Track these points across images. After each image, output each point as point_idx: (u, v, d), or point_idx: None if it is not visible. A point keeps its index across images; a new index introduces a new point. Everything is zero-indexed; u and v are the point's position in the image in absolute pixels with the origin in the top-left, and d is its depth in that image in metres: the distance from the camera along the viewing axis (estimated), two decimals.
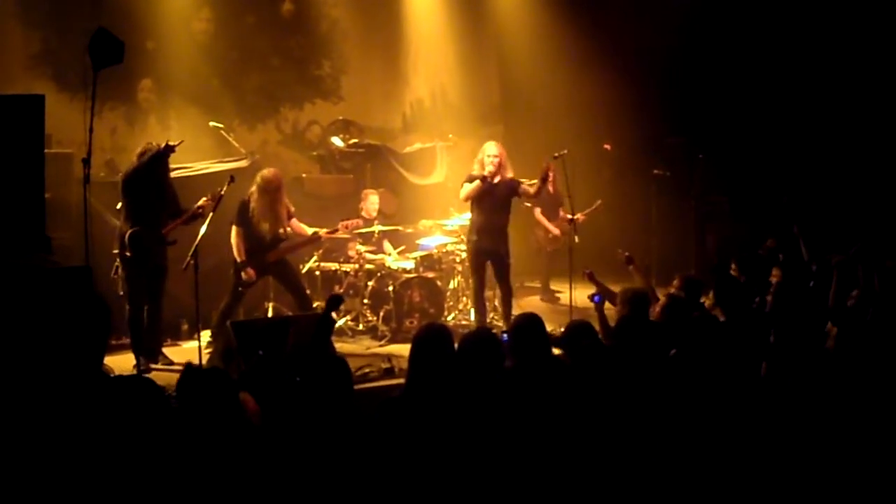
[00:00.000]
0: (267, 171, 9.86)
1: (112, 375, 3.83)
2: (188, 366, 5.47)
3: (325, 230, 10.07)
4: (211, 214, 8.82)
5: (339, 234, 10.37)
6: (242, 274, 9.58)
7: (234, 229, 9.64)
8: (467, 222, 11.24)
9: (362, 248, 10.90)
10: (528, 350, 6.27)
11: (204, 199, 9.05)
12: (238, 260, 9.60)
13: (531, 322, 6.52)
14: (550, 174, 10.05)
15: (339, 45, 13.86)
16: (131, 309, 8.93)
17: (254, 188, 9.67)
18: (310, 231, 10.02)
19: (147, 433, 3.61)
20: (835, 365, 6.26)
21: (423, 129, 14.29)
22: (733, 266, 9.43)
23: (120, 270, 8.99)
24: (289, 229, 9.89)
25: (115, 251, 9.00)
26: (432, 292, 10.69)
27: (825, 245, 10.40)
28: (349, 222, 10.26)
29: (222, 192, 8.93)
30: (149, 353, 9.14)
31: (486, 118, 15.24)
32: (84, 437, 3.45)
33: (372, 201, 11.43)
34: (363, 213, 11.33)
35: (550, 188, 12.72)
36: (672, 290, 8.36)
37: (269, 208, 9.63)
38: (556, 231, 12.74)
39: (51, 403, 3.45)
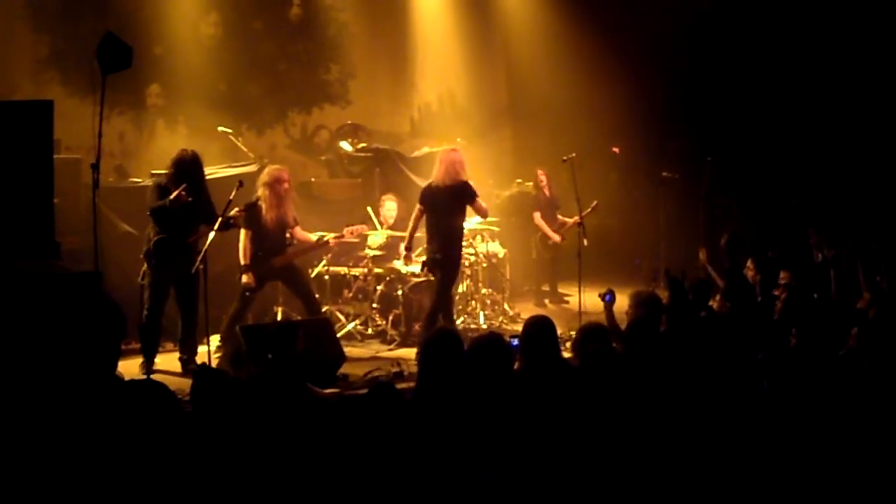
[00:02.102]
0: (273, 166, 9.88)
1: (125, 380, 3.83)
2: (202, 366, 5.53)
3: (331, 235, 10.04)
4: (220, 220, 8.79)
5: (346, 240, 10.34)
6: (243, 277, 9.55)
7: (242, 232, 9.56)
8: (476, 226, 11.27)
9: (371, 253, 10.89)
10: (539, 353, 6.28)
11: (237, 209, 8.98)
12: (242, 263, 9.58)
13: (542, 325, 6.52)
14: None
15: (346, 49, 13.89)
16: (148, 314, 8.89)
17: (261, 187, 9.62)
18: (314, 237, 9.99)
19: (159, 437, 3.61)
20: (853, 366, 6.23)
21: (432, 133, 14.30)
22: (749, 265, 9.42)
23: (147, 277, 8.99)
24: (291, 235, 9.87)
25: (142, 256, 8.99)
26: None
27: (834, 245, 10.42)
28: (354, 228, 10.21)
29: (232, 197, 8.88)
30: (184, 363, 9.15)
31: (495, 122, 15.26)
32: (97, 440, 3.45)
33: (389, 207, 11.38)
34: (380, 219, 11.33)
35: (547, 192, 12.73)
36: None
37: (276, 204, 9.59)
38: (556, 237, 12.67)
39: (63, 408, 3.45)
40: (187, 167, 8.91)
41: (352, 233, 10.20)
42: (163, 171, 10.04)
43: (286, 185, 9.64)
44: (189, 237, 8.91)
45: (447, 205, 9.70)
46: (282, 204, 9.61)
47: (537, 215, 12.70)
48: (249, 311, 9.92)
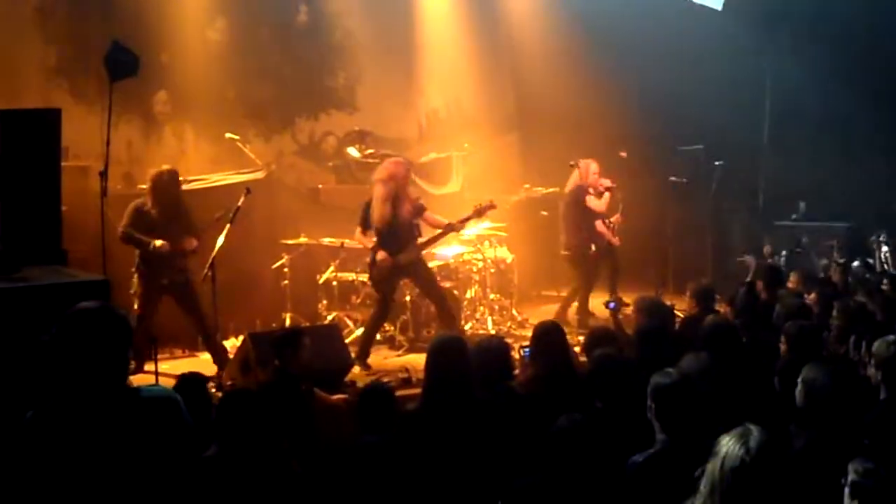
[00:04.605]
0: (389, 160, 10.10)
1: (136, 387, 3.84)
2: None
3: (458, 219, 10.05)
4: (228, 227, 8.83)
5: (471, 220, 10.28)
6: (378, 254, 9.60)
7: (357, 230, 9.81)
8: (483, 232, 11.28)
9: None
10: (549, 358, 6.28)
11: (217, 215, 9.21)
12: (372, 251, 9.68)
13: (552, 330, 6.53)
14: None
15: (353, 55, 13.87)
16: (137, 321, 8.98)
17: (377, 184, 9.70)
18: (445, 221, 10.02)
19: (171, 448, 3.63)
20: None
21: (439, 139, 14.29)
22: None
23: (135, 287, 9.12)
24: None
25: (133, 269, 9.14)
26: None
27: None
28: (482, 206, 10.10)
29: (240, 204, 8.95)
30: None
31: (502, 127, 15.24)
32: (108, 450, 3.46)
33: None
34: None
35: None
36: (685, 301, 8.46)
37: (385, 199, 9.62)
38: (615, 241, 12.10)
39: (72, 419, 3.45)
40: (164, 186, 9.21)
41: (479, 212, 10.13)
42: None
43: (392, 178, 9.70)
44: (174, 248, 9.06)
45: (569, 208, 11.30)
46: (399, 198, 9.67)
47: (598, 223, 11.87)
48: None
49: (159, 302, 9.29)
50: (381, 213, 9.59)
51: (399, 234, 9.66)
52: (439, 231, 10.03)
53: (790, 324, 6.78)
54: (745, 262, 12.12)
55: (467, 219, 10.09)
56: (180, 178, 9.49)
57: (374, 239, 9.69)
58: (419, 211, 9.83)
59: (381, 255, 9.58)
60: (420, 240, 9.91)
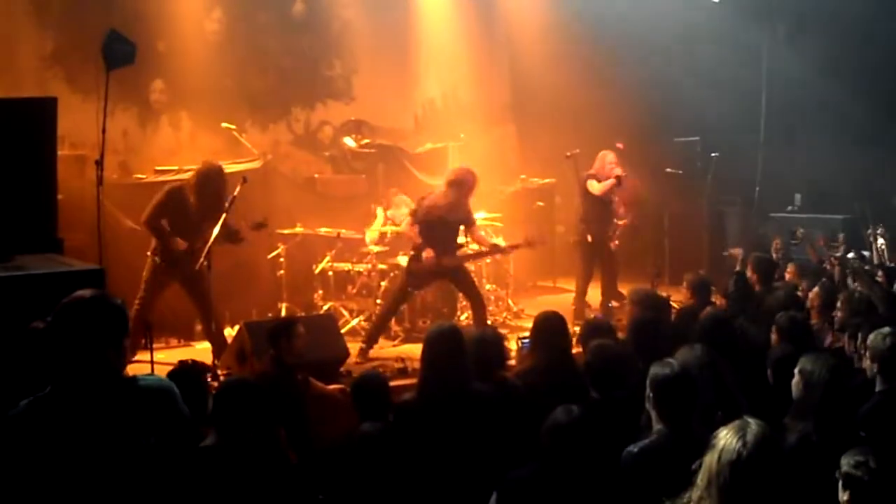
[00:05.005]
0: (462, 167, 10.05)
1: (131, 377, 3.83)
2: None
3: (507, 244, 10.30)
4: (224, 216, 8.80)
5: (519, 248, 10.38)
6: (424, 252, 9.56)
7: (409, 219, 9.83)
8: (480, 223, 11.26)
9: (374, 249, 10.88)
10: (549, 348, 6.28)
11: (251, 224, 9.18)
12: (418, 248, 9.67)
13: (553, 320, 6.52)
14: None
15: (350, 45, 13.84)
16: (138, 307, 8.94)
17: (447, 186, 9.69)
18: (490, 241, 10.28)
19: (167, 437, 3.62)
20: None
21: (435, 129, 14.26)
22: (749, 264, 9.46)
23: (147, 271, 9.06)
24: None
25: (149, 253, 9.06)
26: (446, 292, 10.67)
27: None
28: (533, 239, 10.25)
29: (235, 194, 8.92)
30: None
31: (498, 118, 15.24)
32: (105, 439, 3.45)
33: (405, 212, 11.34)
34: (387, 215, 11.37)
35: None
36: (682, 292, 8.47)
37: (445, 200, 9.62)
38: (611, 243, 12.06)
39: (68, 408, 3.45)
40: (211, 179, 9.00)
41: (531, 243, 10.27)
42: (167, 168, 10.12)
43: (466, 189, 9.67)
44: (197, 243, 8.94)
45: (580, 196, 11.27)
46: (457, 203, 9.65)
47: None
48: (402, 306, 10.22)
49: (166, 289, 9.19)
50: (433, 211, 9.60)
51: (443, 237, 9.66)
52: (486, 249, 10.24)
53: (781, 315, 6.81)
54: (732, 254, 12.16)
55: (516, 246, 10.27)
56: (224, 171, 9.29)
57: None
58: (469, 223, 9.88)
59: (427, 252, 9.54)
60: (465, 249, 10.07)
